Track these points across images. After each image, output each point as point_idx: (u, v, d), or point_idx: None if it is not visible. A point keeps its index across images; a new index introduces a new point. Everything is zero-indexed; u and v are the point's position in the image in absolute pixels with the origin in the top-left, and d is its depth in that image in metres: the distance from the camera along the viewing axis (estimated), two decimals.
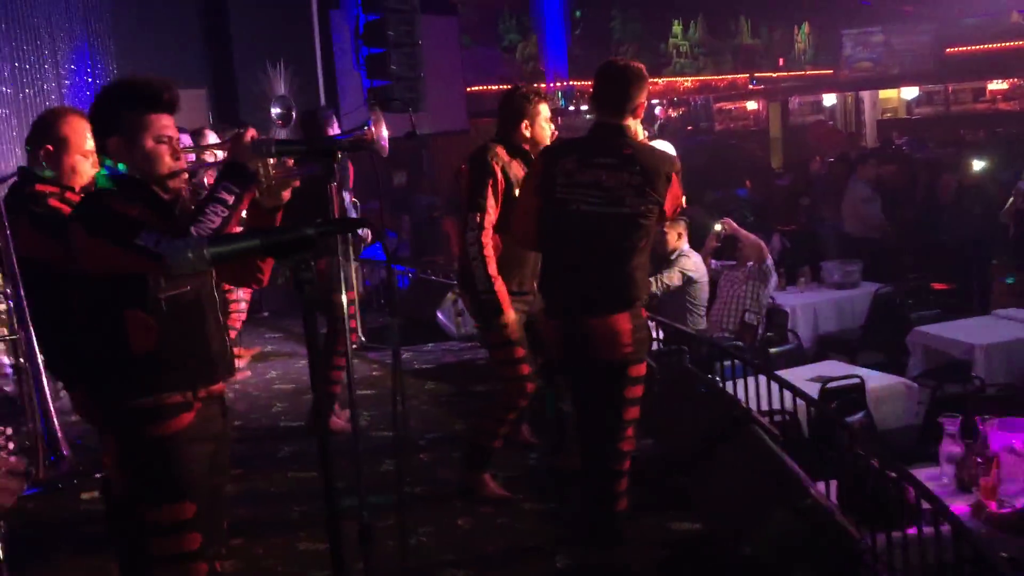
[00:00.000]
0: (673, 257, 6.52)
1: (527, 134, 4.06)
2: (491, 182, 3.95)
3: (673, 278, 6.47)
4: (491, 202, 3.94)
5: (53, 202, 3.06)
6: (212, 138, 5.74)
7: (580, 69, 16.72)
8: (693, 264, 6.54)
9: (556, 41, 15.96)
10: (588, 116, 14.51)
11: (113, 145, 2.54)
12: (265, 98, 8.69)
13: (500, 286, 3.90)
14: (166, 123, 2.56)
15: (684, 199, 3.57)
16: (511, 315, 3.93)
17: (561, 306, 3.50)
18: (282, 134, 8.19)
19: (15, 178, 3.27)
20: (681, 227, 6.50)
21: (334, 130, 5.30)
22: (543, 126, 4.08)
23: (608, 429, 3.44)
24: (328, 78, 9.37)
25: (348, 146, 2.96)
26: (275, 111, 8.36)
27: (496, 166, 3.98)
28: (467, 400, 5.89)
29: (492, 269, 3.89)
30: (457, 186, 4.71)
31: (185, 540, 2.55)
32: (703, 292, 6.59)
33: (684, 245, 6.56)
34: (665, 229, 6.32)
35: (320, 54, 9.26)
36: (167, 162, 2.54)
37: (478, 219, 3.90)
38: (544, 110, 4.10)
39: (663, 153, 3.51)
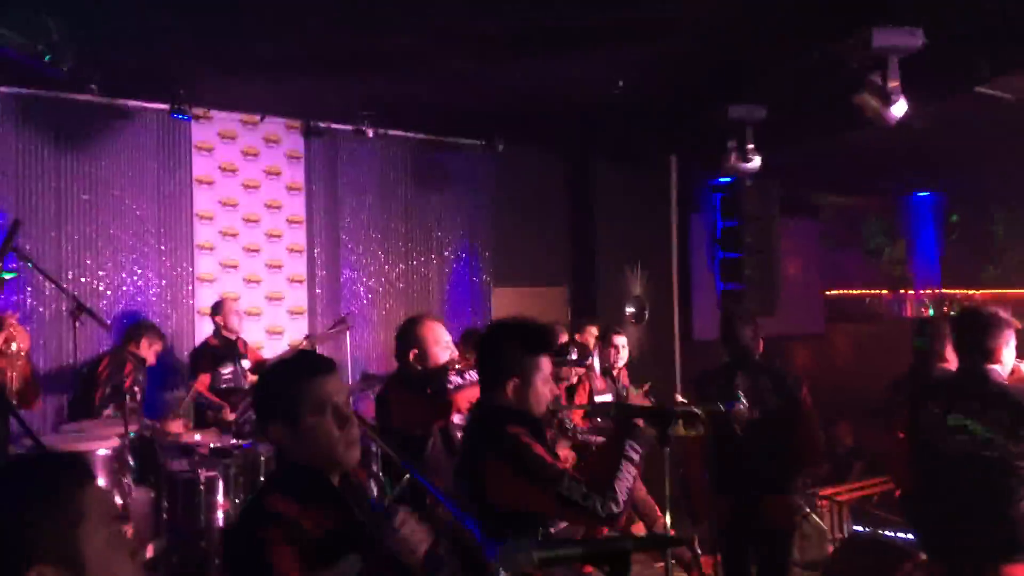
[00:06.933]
0: None
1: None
2: None
3: None
4: None
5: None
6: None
7: (954, 276, 15.60)
8: None
9: (927, 246, 15.12)
10: None
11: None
12: (622, 296, 9.07)
13: None
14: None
15: None
16: None
17: (950, 552, 3.54)
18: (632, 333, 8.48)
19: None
20: None
21: None
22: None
23: None
24: (683, 278, 9.57)
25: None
26: (629, 310, 8.92)
27: None
28: None
29: None
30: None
31: None
32: None
33: None
34: None
35: (676, 254, 9.52)
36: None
37: None
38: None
39: None
